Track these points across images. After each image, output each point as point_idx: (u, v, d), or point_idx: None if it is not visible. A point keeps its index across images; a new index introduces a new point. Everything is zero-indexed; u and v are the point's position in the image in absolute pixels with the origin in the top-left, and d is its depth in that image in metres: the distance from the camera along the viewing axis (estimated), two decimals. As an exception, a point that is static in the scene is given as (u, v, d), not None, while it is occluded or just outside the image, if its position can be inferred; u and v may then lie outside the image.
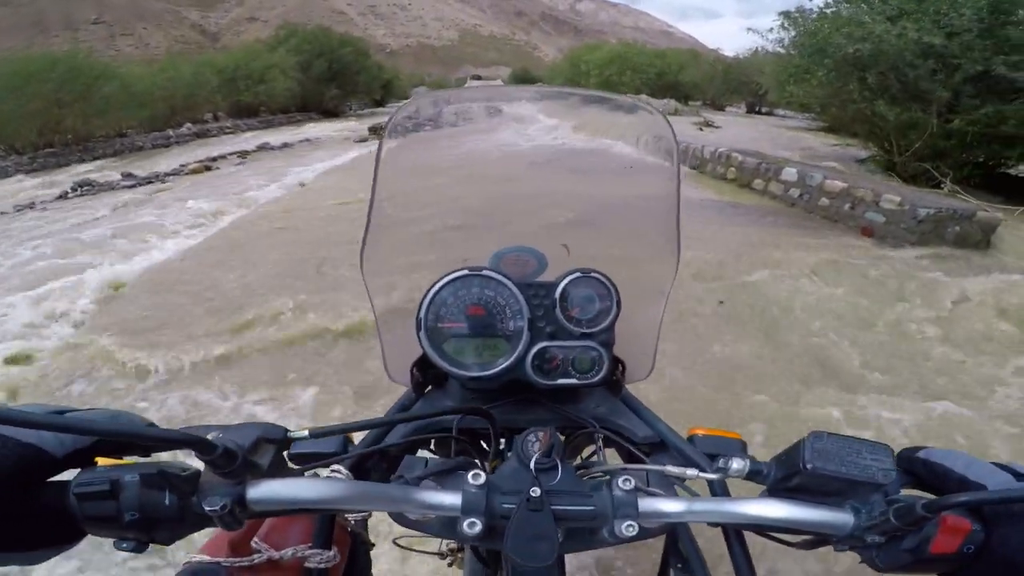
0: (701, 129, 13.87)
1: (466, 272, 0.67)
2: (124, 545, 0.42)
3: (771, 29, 10.53)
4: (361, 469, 0.62)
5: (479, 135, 1.10)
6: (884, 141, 8.22)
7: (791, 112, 23.31)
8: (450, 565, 1.14)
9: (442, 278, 0.67)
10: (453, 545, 1.09)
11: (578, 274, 0.69)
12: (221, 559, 0.54)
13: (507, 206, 0.98)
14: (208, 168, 11.02)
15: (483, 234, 0.89)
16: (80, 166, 13.00)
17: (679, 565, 0.65)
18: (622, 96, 0.91)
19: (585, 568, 1.83)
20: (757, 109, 26.47)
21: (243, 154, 13.22)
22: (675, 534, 0.68)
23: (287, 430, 0.48)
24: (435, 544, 1.07)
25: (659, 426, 0.68)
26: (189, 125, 19.76)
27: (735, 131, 14.28)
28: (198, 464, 0.43)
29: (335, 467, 0.53)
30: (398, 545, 0.93)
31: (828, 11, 7.80)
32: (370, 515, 0.65)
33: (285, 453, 0.50)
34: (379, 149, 0.74)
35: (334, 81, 28.63)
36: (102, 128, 16.93)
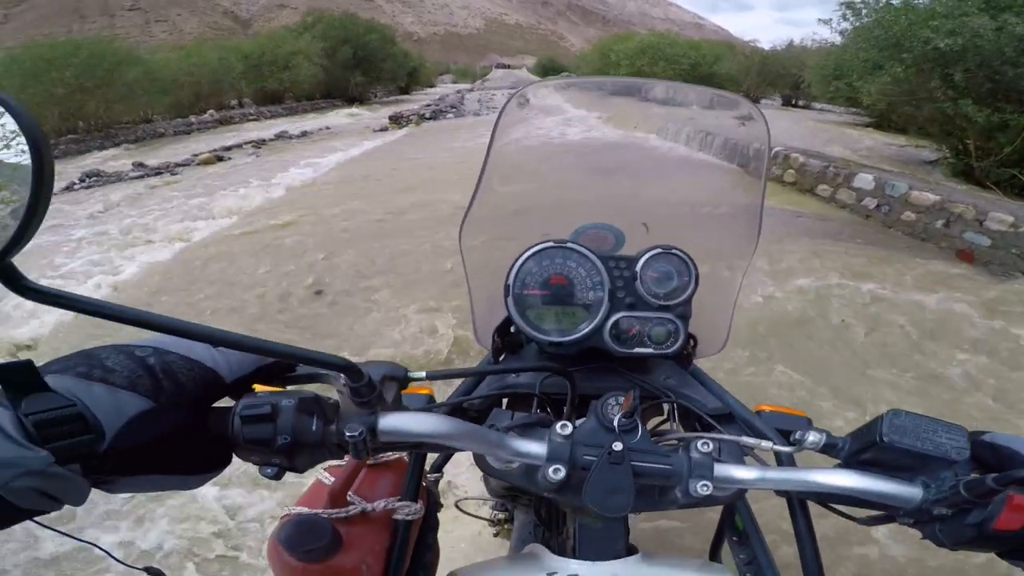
0: (743, 124, 12.95)
1: (551, 244, 0.71)
2: (268, 471, 0.45)
3: (828, 20, 9.65)
4: (455, 414, 0.64)
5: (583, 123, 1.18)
6: (960, 144, 7.34)
7: (829, 106, 22.46)
8: (496, 535, 1.24)
9: (528, 249, 0.71)
10: (502, 516, 1.20)
11: (659, 250, 0.72)
12: (320, 510, 0.57)
13: (594, 186, 1.00)
14: (220, 159, 10.56)
15: (568, 211, 0.87)
16: (100, 153, 12.82)
17: (735, 538, 0.64)
18: (707, 88, 0.99)
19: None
20: (794, 102, 25.40)
21: (259, 144, 12.80)
22: (732, 507, 0.67)
23: (407, 370, 0.52)
24: (486, 513, 1.24)
25: (728, 399, 0.70)
26: (212, 112, 19.49)
27: (780, 126, 13.31)
28: (329, 397, 0.49)
29: (443, 404, 0.62)
30: (459, 508, 1.15)
31: (905, 1, 6.90)
32: (443, 475, 0.78)
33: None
34: (493, 132, 0.80)
35: (359, 68, 28.16)
36: (125, 114, 16.84)
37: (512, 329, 0.79)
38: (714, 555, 0.74)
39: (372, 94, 30.57)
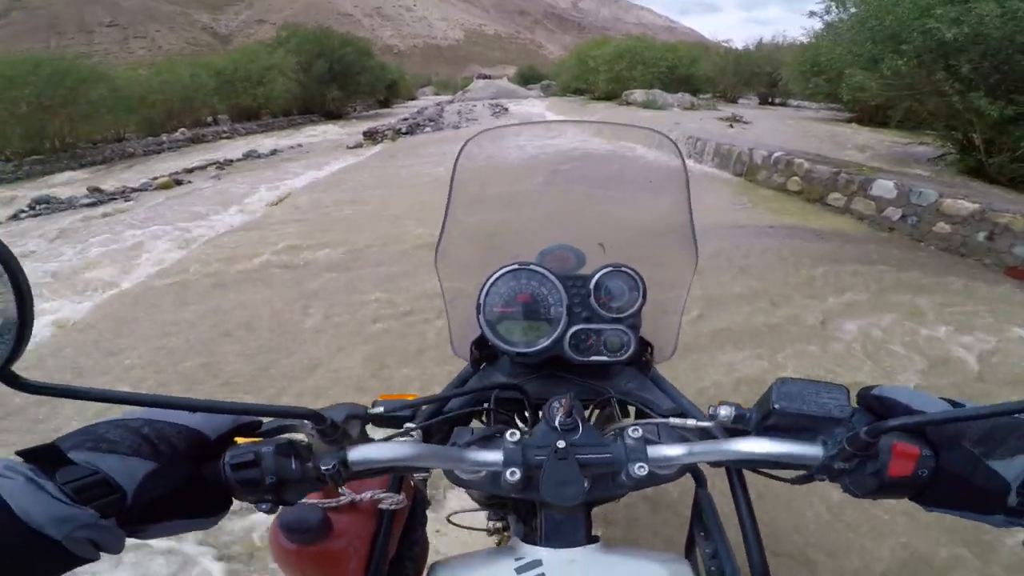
0: (731, 126, 12.60)
1: (516, 266, 0.80)
2: (263, 507, 0.51)
3: (813, 14, 9.36)
4: (424, 437, 0.70)
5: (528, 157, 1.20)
6: (965, 139, 7.00)
7: (805, 103, 22.41)
8: (498, 544, 1.33)
9: (497, 271, 0.80)
10: (498, 525, 1.30)
11: (610, 268, 0.81)
12: (315, 501, 0.64)
13: (552, 210, 1.10)
14: (179, 182, 9.88)
15: (533, 233, 0.96)
16: (62, 175, 12.17)
17: (702, 533, 0.69)
18: (638, 127, 1.18)
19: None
20: (770, 100, 25.38)
21: (223, 164, 12.15)
22: (699, 505, 0.71)
23: (367, 408, 0.59)
24: (483, 523, 1.32)
25: (682, 401, 0.78)
26: (183, 130, 18.84)
27: (767, 125, 13.01)
28: (302, 439, 0.54)
29: (408, 429, 0.65)
30: (451, 522, 1.16)
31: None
32: (429, 474, 0.73)
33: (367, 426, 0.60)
34: (453, 171, 0.90)
35: (335, 82, 27.53)
36: (94, 132, 16.14)
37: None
38: (689, 551, 0.75)
39: (351, 108, 29.94)
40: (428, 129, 18.46)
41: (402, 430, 0.65)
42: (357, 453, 0.53)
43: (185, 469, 0.49)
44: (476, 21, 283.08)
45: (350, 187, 8.53)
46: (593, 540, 0.61)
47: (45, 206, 8.17)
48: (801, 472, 0.56)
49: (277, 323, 3.65)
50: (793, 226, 5.65)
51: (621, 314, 0.80)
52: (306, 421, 0.51)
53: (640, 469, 0.54)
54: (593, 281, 0.80)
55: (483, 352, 0.89)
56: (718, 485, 0.69)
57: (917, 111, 7.46)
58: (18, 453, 0.41)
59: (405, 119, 22.30)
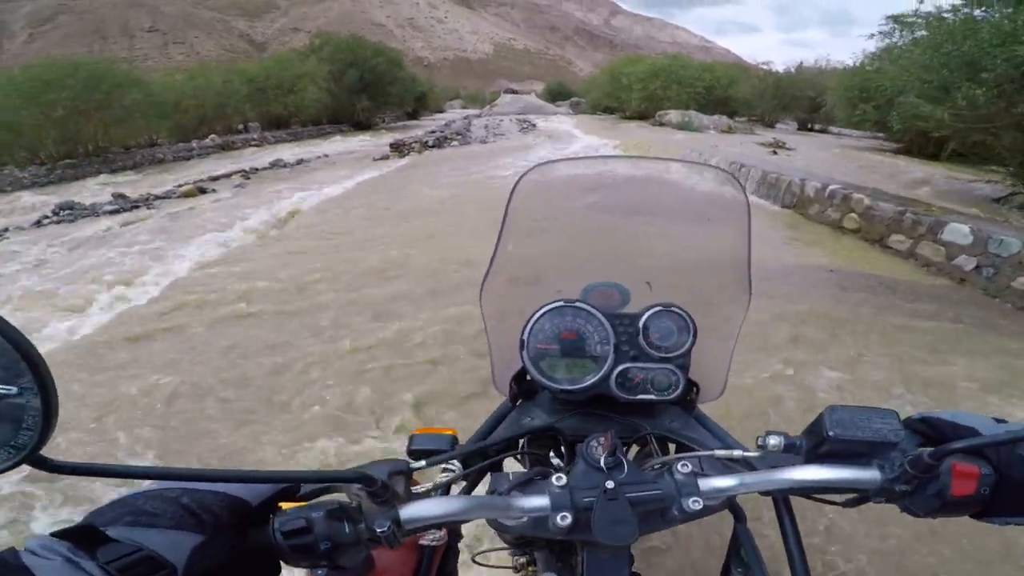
0: (774, 152, 12.05)
1: (562, 303, 0.78)
2: (320, 573, 0.52)
3: (871, 35, 8.83)
4: (475, 458, 0.71)
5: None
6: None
7: (846, 130, 21.63)
8: None
9: (542, 307, 0.79)
10: (523, 560, 1.23)
11: (659, 308, 0.79)
12: None
13: (598, 245, 1.07)
14: (203, 191, 9.73)
15: (577, 269, 0.95)
16: (94, 179, 12.25)
17: (739, 569, 0.68)
18: (700, 163, 1.09)
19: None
20: (809, 126, 24.56)
21: (248, 173, 12.04)
22: (737, 540, 0.70)
23: (408, 462, 0.57)
24: (508, 560, 1.24)
25: (727, 439, 0.78)
26: (213, 137, 19.00)
27: (811, 153, 12.42)
28: (348, 500, 0.52)
29: (449, 477, 0.64)
30: (476, 563, 1.11)
31: (979, 10, 6.00)
32: None
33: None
34: (507, 205, 0.86)
35: (365, 92, 27.66)
36: (126, 138, 16.35)
37: (528, 377, 0.84)
38: None
39: (380, 119, 30.07)
40: (455, 143, 18.29)
41: (442, 471, 0.64)
42: (409, 511, 0.51)
43: (232, 539, 0.47)
44: (506, 35, 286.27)
45: (384, 195, 8.25)
46: None
47: (68, 212, 8.13)
48: (851, 496, 0.57)
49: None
50: (855, 272, 5.07)
51: (670, 354, 0.78)
52: (355, 485, 0.49)
53: (695, 503, 0.54)
54: (642, 320, 0.79)
55: (522, 388, 0.88)
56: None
57: (990, 145, 6.84)
58: (53, 534, 0.39)
59: (432, 132, 22.22)
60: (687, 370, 0.79)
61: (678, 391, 0.77)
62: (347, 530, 0.49)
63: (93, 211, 8.14)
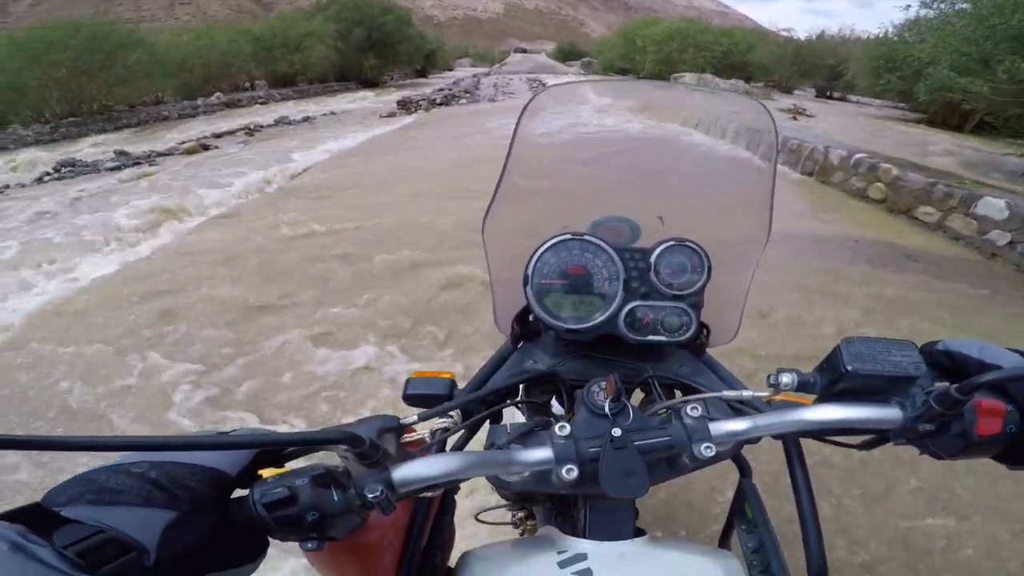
0: (795, 118, 11.63)
1: (569, 236, 0.73)
2: (309, 546, 0.44)
3: (907, 6, 8.39)
4: (474, 407, 0.67)
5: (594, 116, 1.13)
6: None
7: (865, 99, 20.95)
8: (522, 534, 1.30)
9: (547, 240, 0.73)
10: (522, 515, 1.26)
11: (672, 242, 0.73)
12: None
13: (608, 180, 1.02)
14: (206, 147, 9.56)
15: (586, 203, 0.87)
16: (96, 137, 12.16)
17: (743, 526, 0.65)
18: (728, 93, 1.11)
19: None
20: (828, 94, 23.80)
21: (253, 130, 11.87)
22: (741, 496, 0.67)
23: (398, 418, 0.53)
24: (507, 517, 1.30)
25: (736, 385, 0.73)
26: (219, 95, 18.68)
27: (833, 121, 11.98)
28: (335, 465, 0.47)
29: (445, 428, 0.58)
30: (479, 521, 1.13)
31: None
32: None
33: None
34: (514, 132, 0.81)
35: (373, 50, 27.01)
36: (130, 97, 16.11)
37: (530, 317, 0.81)
38: (723, 543, 0.71)
39: (388, 77, 29.46)
40: (463, 101, 17.88)
41: (435, 426, 0.59)
42: (402, 473, 0.47)
43: (211, 514, 0.42)
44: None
45: (390, 152, 8.04)
46: (640, 533, 0.58)
47: (70, 169, 8.04)
48: (869, 437, 0.54)
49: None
50: (880, 241, 4.90)
51: (683, 291, 0.73)
52: (342, 446, 0.44)
53: (707, 449, 0.50)
54: (654, 256, 0.73)
55: (525, 328, 0.82)
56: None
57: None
58: (1, 516, 0.34)
59: (440, 89, 21.75)
60: (699, 310, 0.74)
61: (689, 332, 0.72)
62: (335, 498, 0.44)
63: (95, 167, 8.06)
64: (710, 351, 0.82)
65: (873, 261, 4.46)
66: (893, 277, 4.11)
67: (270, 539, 0.46)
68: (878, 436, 0.52)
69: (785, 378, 0.52)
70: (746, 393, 0.58)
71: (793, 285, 3.82)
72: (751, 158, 0.87)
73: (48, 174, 7.79)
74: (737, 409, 0.62)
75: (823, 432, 0.54)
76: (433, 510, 0.66)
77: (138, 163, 8.38)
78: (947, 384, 0.45)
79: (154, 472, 0.40)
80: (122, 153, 8.93)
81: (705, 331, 0.79)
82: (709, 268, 0.73)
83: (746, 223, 0.83)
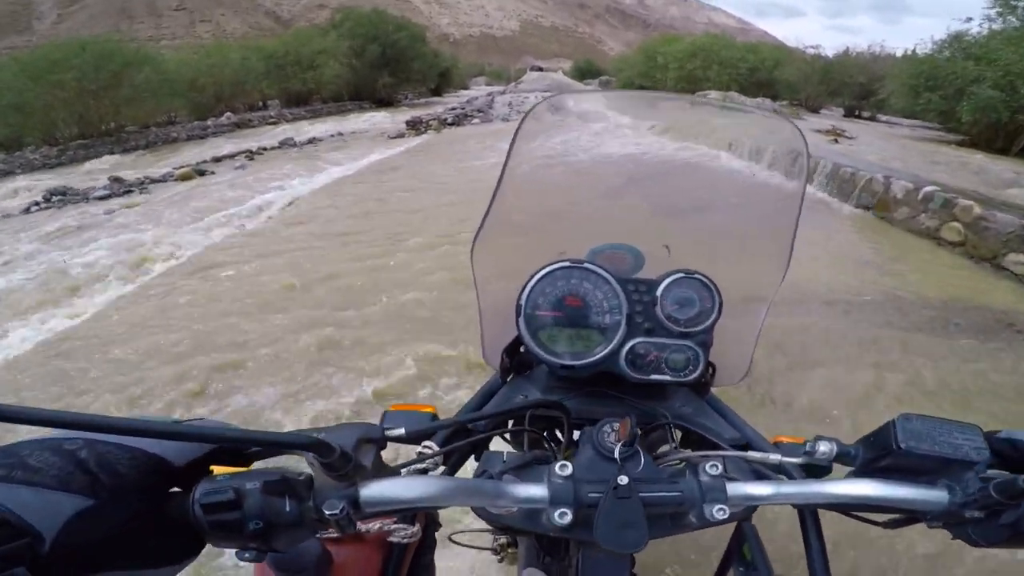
0: (836, 141, 10.76)
1: (567, 264, 0.68)
2: (246, 555, 0.41)
3: (969, 19, 7.60)
4: (446, 461, 0.61)
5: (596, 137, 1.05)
6: None
7: (895, 118, 19.96)
8: (500, 561, 1.22)
9: (543, 268, 0.68)
10: (503, 541, 1.15)
11: (681, 274, 0.68)
12: None
13: (610, 202, 0.96)
14: (201, 173, 9.04)
15: (584, 229, 0.82)
16: (103, 160, 11.70)
17: (741, 568, 0.62)
18: (752, 110, 1.08)
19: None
20: (857, 113, 22.82)
21: (254, 153, 11.47)
22: (741, 536, 0.64)
23: (383, 429, 0.48)
24: (485, 540, 1.15)
25: (746, 430, 0.68)
26: (229, 115, 18.38)
27: (876, 144, 11.07)
28: (304, 468, 0.43)
29: (423, 453, 0.54)
30: (453, 542, 1.04)
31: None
32: None
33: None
34: (510, 149, 0.75)
35: (387, 68, 26.72)
36: (140, 117, 15.80)
37: (522, 349, 0.74)
38: None
39: (402, 96, 29.15)
40: (476, 120, 17.35)
41: (420, 450, 0.54)
42: (371, 491, 0.43)
43: (135, 506, 0.38)
44: (533, 12, 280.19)
45: (387, 181, 7.50)
46: None
47: (60, 198, 7.61)
48: (899, 516, 0.51)
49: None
50: (971, 305, 4.01)
51: (691, 328, 0.67)
52: (309, 453, 0.40)
53: (719, 512, 0.47)
54: (660, 288, 0.68)
55: (515, 361, 0.76)
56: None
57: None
58: None
59: (453, 109, 21.33)
60: (708, 349, 0.68)
61: (696, 373, 0.67)
62: (287, 508, 0.40)
63: (84, 196, 7.58)
64: (714, 390, 0.77)
65: (976, 333, 3.57)
66: (1007, 359, 3.23)
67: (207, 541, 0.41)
68: (908, 516, 0.49)
69: (823, 446, 0.49)
70: (773, 457, 0.53)
71: (873, 385, 2.92)
72: (773, 183, 0.79)
73: (37, 204, 7.33)
74: (755, 468, 0.57)
75: (851, 507, 0.50)
76: (409, 553, 0.59)
77: (129, 191, 7.89)
78: (1008, 473, 0.43)
79: (85, 452, 0.37)
80: (116, 180, 8.46)
81: (711, 370, 0.73)
82: (720, 304, 0.67)
83: (763, 255, 0.77)
